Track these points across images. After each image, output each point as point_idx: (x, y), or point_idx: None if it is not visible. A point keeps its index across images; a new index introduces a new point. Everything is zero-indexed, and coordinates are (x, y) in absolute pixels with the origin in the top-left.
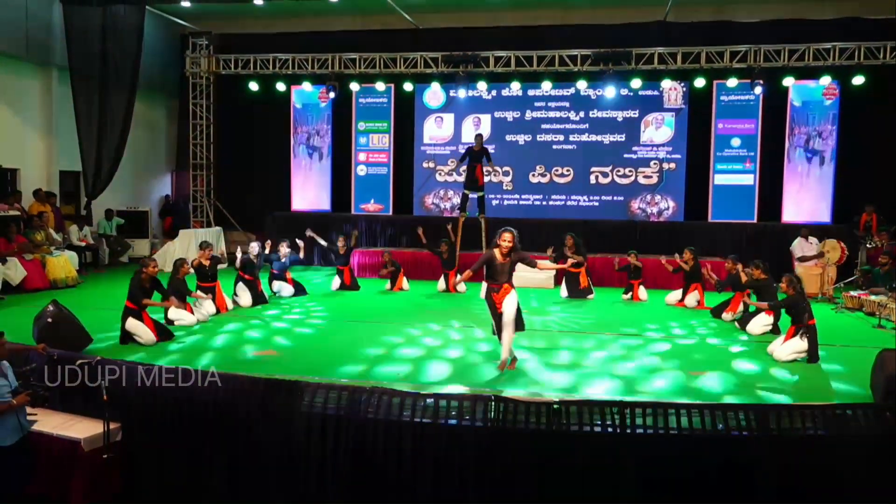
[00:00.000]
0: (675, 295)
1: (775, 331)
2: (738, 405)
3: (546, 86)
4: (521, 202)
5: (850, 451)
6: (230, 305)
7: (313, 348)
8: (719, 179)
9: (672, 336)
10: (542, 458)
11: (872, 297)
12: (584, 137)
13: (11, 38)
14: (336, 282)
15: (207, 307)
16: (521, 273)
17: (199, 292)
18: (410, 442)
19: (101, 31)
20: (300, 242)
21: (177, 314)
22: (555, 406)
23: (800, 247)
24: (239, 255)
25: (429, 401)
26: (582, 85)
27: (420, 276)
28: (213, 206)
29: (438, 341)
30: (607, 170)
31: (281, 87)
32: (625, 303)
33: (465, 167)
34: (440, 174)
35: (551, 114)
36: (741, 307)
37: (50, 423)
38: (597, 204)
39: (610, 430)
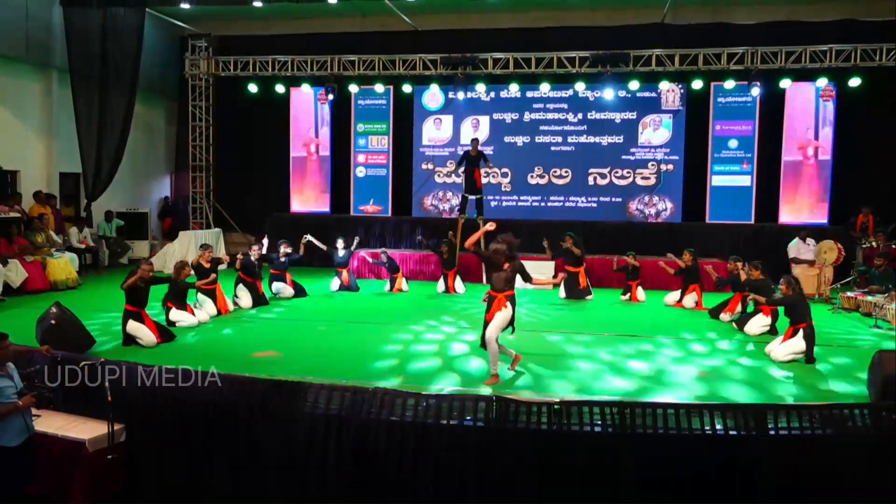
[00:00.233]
0: (674, 296)
1: (773, 331)
2: (737, 405)
3: (544, 87)
4: (519, 203)
5: (848, 450)
6: (231, 307)
7: (315, 349)
8: (717, 181)
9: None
10: (543, 457)
11: (869, 298)
12: (583, 139)
13: (11, 39)
14: (335, 283)
15: (208, 309)
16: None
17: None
18: (412, 442)
19: (101, 33)
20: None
21: (178, 316)
22: (555, 406)
23: (797, 248)
24: (240, 256)
25: (430, 401)
26: (580, 87)
27: (419, 277)
28: (212, 207)
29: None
30: (605, 171)
31: (280, 88)
32: (623, 304)
33: (462, 169)
34: (439, 175)
35: (549, 115)
36: (739, 308)
37: (54, 423)
38: (595, 205)
39: (610, 430)
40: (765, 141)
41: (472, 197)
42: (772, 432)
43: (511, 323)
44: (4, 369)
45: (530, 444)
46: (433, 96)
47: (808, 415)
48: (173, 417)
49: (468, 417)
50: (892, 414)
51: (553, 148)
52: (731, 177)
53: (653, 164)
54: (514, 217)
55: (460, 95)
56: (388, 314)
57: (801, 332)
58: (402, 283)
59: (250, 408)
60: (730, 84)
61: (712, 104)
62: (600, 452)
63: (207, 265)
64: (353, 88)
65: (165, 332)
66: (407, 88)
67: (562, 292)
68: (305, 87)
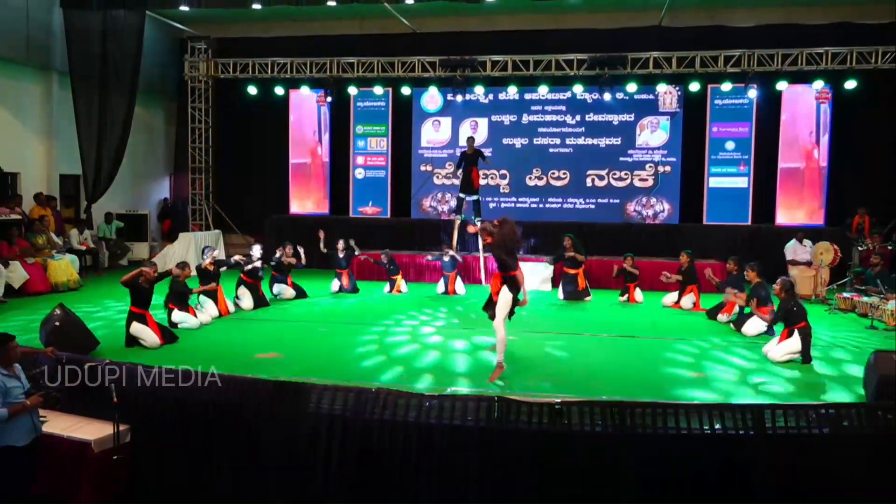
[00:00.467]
0: (672, 297)
1: (770, 332)
2: (735, 405)
3: (543, 90)
4: (517, 205)
5: (845, 449)
6: (232, 308)
7: (316, 350)
8: (714, 182)
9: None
10: (544, 457)
11: (865, 299)
12: (581, 141)
13: (12, 42)
14: (335, 284)
15: (210, 310)
16: None
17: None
18: (415, 442)
19: (102, 35)
20: (301, 249)
21: (180, 317)
22: (556, 406)
23: (794, 249)
24: (240, 258)
25: (433, 401)
26: (578, 89)
27: (419, 278)
28: (211, 209)
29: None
30: (603, 173)
31: (279, 90)
32: (621, 305)
33: (460, 170)
34: (438, 177)
35: (548, 117)
36: (736, 309)
37: (59, 424)
38: (593, 207)
39: (611, 430)
40: (761, 143)
41: (470, 198)
42: (769, 432)
43: (512, 307)
44: (12, 370)
45: (531, 444)
46: (432, 98)
47: (805, 414)
48: (177, 418)
49: (470, 418)
50: (888, 413)
51: (551, 150)
52: (728, 178)
53: (650, 166)
54: (512, 218)
55: (459, 97)
56: (388, 315)
57: (797, 333)
58: (402, 284)
59: (254, 408)
60: (727, 86)
61: (709, 106)
62: (600, 452)
63: (211, 268)
64: (353, 90)
65: (168, 334)
66: (406, 90)
67: (560, 293)
68: (305, 90)
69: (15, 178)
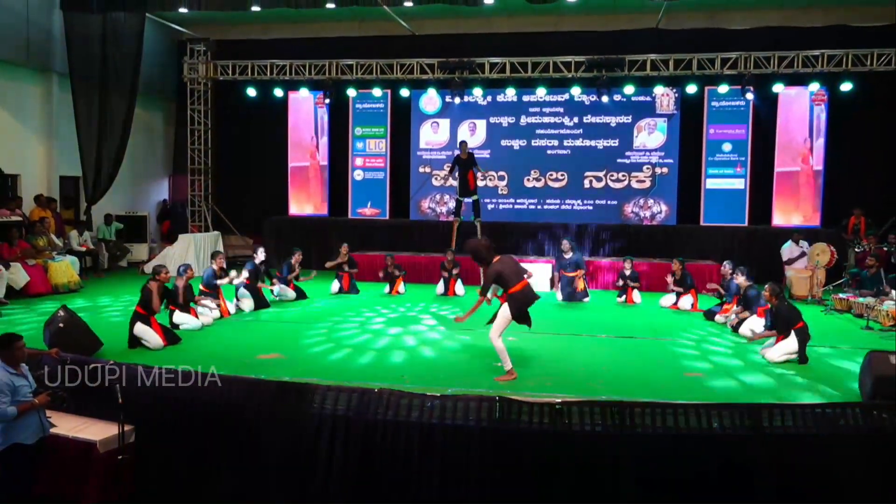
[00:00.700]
0: (670, 298)
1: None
2: (732, 405)
3: (541, 92)
4: (515, 206)
5: (841, 448)
6: (233, 310)
7: (318, 351)
8: (711, 184)
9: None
10: (545, 457)
11: (861, 300)
12: (578, 142)
13: (12, 44)
14: (335, 285)
15: (211, 311)
16: None
17: (203, 299)
18: (417, 442)
19: (101, 38)
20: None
21: (182, 318)
22: (556, 406)
23: (790, 250)
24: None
25: (435, 401)
26: (576, 91)
27: (418, 279)
28: (210, 210)
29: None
30: (601, 174)
31: (278, 92)
32: (619, 306)
33: (456, 173)
34: (436, 179)
35: (546, 119)
36: (733, 310)
37: (65, 425)
38: (591, 208)
39: (611, 429)
40: (758, 144)
41: (468, 200)
42: (767, 432)
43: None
44: (19, 369)
45: (532, 444)
46: (430, 100)
47: (802, 414)
48: (180, 419)
49: (472, 418)
50: (884, 413)
51: (549, 151)
52: (724, 180)
53: (648, 168)
54: (511, 220)
55: (457, 99)
56: (389, 316)
57: (793, 333)
58: (400, 286)
59: (257, 409)
60: (724, 88)
61: (706, 108)
62: (600, 452)
63: (221, 271)
64: (351, 92)
65: (171, 336)
66: (404, 92)
67: (559, 294)
68: (304, 91)
69: (15, 180)
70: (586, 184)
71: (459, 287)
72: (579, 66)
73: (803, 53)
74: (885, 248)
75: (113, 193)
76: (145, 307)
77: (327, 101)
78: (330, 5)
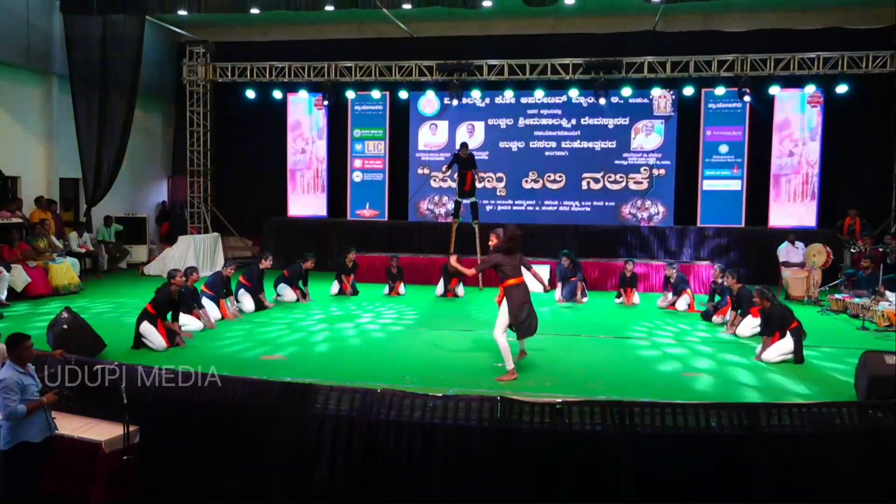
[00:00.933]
0: (667, 299)
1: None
2: (730, 404)
3: (539, 94)
4: (514, 208)
5: (837, 447)
6: (233, 311)
7: (319, 352)
8: (708, 185)
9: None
10: (545, 456)
11: (856, 300)
12: (576, 144)
13: (12, 46)
14: (335, 287)
15: (213, 313)
16: None
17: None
18: (420, 441)
19: (101, 40)
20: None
21: (183, 320)
22: (557, 406)
23: (786, 251)
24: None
25: (437, 402)
26: (574, 93)
27: (418, 280)
28: (210, 212)
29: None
30: (599, 176)
31: (277, 94)
32: (618, 306)
33: (456, 174)
34: (435, 180)
35: (544, 121)
36: (730, 311)
37: (69, 426)
38: (588, 209)
39: (611, 429)
40: (754, 146)
41: (466, 201)
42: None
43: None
44: (26, 369)
45: (533, 443)
46: (429, 102)
47: (799, 413)
48: (184, 420)
49: (473, 417)
50: (879, 412)
51: (547, 153)
52: (721, 181)
53: (645, 169)
54: (509, 221)
55: (455, 101)
56: (389, 317)
57: (789, 334)
58: (400, 287)
59: (261, 409)
60: (720, 90)
61: (703, 110)
62: (601, 451)
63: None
64: (350, 94)
65: (175, 338)
66: (403, 94)
67: (558, 295)
68: (302, 93)
69: (15, 182)
70: (584, 185)
71: (460, 289)
72: (577, 68)
73: (799, 56)
74: (881, 249)
75: (112, 195)
76: (157, 308)
77: (326, 102)
78: (329, 8)
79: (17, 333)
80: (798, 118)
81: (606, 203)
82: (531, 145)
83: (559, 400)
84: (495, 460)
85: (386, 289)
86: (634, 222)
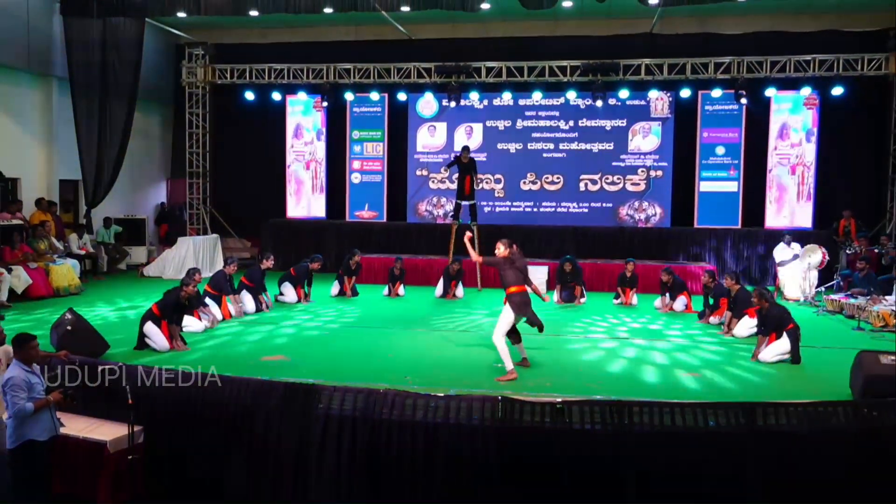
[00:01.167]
0: (665, 300)
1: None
2: (728, 403)
3: (536, 96)
4: (512, 209)
5: (832, 446)
6: (235, 312)
7: (320, 352)
8: (705, 186)
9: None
10: (546, 455)
11: (852, 301)
12: (574, 146)
13: (12, 49)
14: (335, 287)
15: (214, 314)
16: None
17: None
18: (422, 441)
19: (101, 43)
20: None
21: (185, 321)
22: (557, 405)
23: (782, 252)
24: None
25: (440, 401)
26: (571, 95)
27: (417, 281)
28: (209, 213)
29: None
30: (596, 177)
31: (276, 96)
32: (616, 307)
33: (455, 176)
34: (433, 182)
35: (542, 123)
36: (727, 311)
37: (74, 426)
38: (586, 210)
39: (610, 428)
40: (751, 148)
41: (466, 203)
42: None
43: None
44: (32, 368)
45: (534, 442)
46: (427, 104)
47: (796, 412)
48: (188, 420)
49: (475, 417)
50: (874, 411)
51: (545, 155)
52: (718, 183)
53: (642, 171)
54: (507, 223)
55: (454, 103)
56: (390, 317)
57: (786, 334)
58: (400, 288)
59: (265, 410)
60: (717, 92)
61: (700, 112)
62: (601, 449)
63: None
64: (349, 96)
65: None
66: (402, 96)
67: (556, 296)
68: (301, 95)
69: (15, 184)
70: (582, 187)
71: (460, 290)
72: (575, 70)
73: (795, 58)
74: (876, 250)
75: (112, 197)
76: (162, 310)
77: (325, 104)
78: (328, 10)
79: (24, 333)
80: (794, 120)
81: (604, 204)
82: (529, 147)
83: (559, 400)
84: (497, 459)
85: (385, 290)
86: (632, 223)
